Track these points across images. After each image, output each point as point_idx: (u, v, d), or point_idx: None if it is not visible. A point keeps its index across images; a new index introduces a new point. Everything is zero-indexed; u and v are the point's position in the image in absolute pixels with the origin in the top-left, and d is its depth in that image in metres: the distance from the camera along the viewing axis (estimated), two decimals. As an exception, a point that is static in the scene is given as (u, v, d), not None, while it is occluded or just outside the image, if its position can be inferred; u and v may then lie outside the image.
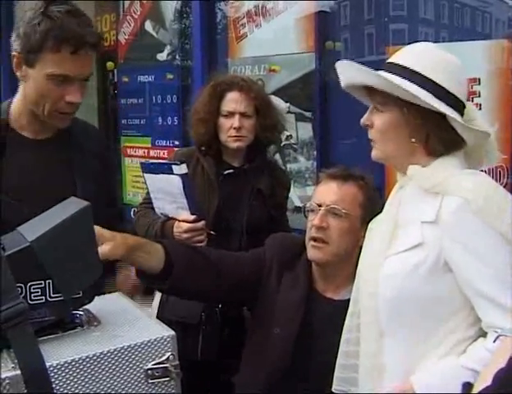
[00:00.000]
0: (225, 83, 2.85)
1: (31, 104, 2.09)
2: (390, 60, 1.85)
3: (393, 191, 1.93)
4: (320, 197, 2.29)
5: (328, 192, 2.27)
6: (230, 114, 2.81)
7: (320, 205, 2.26)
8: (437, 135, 1.77)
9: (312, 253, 2.27)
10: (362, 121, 1.87)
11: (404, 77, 1.76)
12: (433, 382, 1.70)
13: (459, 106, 1.80)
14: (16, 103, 2.17)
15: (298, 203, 3.73)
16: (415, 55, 1.83)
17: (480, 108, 2.89)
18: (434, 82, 1.76)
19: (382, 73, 1.78)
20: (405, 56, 1.84)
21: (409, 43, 3.24)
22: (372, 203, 2.27)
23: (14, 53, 2.05)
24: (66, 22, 1.98)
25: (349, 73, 1.93)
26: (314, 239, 2.25)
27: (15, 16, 6.03)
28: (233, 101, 2.82)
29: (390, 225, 1.83)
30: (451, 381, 1.59)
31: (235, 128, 2.79)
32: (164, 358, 1.40)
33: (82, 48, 2.00)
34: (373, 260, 1.85)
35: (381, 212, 1.99)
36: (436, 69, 1.78)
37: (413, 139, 1.79)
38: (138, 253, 2.07)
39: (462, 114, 1.80)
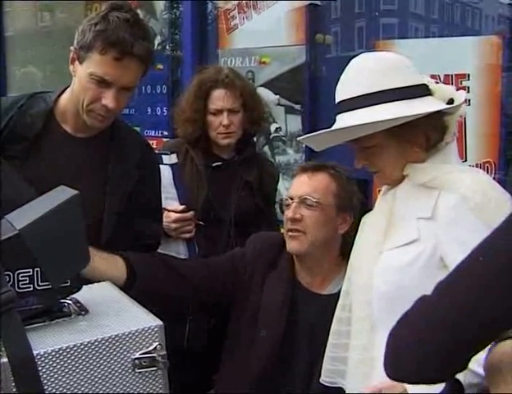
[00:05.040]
0: (210, 80, 2.84)
1: (75, 99, 2.11)
2: (339, 97, 1.82)
3: (385, 187, 1.94)
4: (292, 190, 2.32)
5: (299, 184, 2.30)
6: (218, 112, 2.81)
7: (292, 198, 2.27)
8: (433, 129, 1.78)
9: (290, 245, 2.28)
10: (357, 165, 1.88)
11: (365, 106, 1.75)
12: None
13: (427, 90, 1.81)
14: (65, 95, 2.19)
15: (286, 196, 3.73)
16: (359, 77, 1.80)
17: (469, 104, 2.91)
18: (394, 88, 1.75)
19: (347, 120, 1.76)
20: (350, 84, 1.81)
21: (400, 38, 3.31)
22: (347, 191, 2.28)
23: (71, 48, 2.09)
24: (120, 28, 2.00)
25: (318, 144, 1.96)
26: (290, 230, 2.26)
27: (4, 16, 6.03)
28: (219, 98, 2.82)
29: (385, 219, 1.84)
30: None
31: (224, 125, 2.79)
32: (151, 348, 1.40)
33: (126, 57, 2.01)
34: (367, 254, 1.85)
35: (364, 204, 2.00)
36: (385, 75, 1.77)
37: (416, 149, 1.80)
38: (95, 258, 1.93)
39: (432, 94, 1.81)
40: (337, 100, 1.83)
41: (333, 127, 1.81)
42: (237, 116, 2.82)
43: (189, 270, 2.34)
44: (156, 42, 4.67)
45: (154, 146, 4.36)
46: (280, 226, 3.03)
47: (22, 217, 1.41)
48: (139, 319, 1.45)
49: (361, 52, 1.90)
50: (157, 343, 1.41)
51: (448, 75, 2.97)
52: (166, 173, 2.52)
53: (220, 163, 2.86)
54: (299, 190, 2.27)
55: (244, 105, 2.84)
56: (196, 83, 2.89)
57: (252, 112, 2.86)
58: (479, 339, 1.09)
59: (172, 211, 2.64)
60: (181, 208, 2.65)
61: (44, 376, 1.30)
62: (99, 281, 1.78)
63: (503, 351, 1.06)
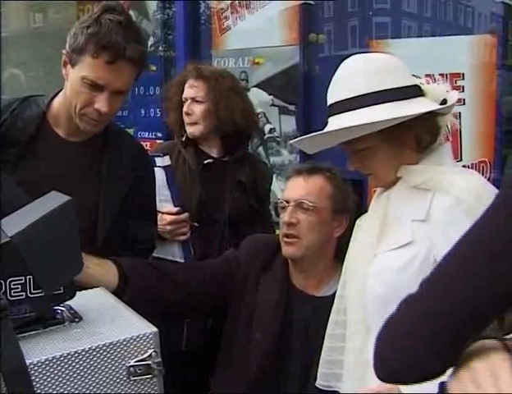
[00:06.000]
0: (184, 73, 2.94)
1: (67, 103, 2.09)
2: (332, 99, 1.81)
3: (379, 189, 1.93)
4: (288, 193, 2.30)
5: (295, 187, 2.28)
6: (185, 100, 2.86)
7: (288, 201, 2.26)
8: (425, 130, 1.77)
9: (285, 249, 2.27)
10: (350, 167, 1.86)
11: (356, 108, 1.74)
12: None
13: (419, 91, 1.79)
14: (58, 98, 2.17)
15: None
16: (349, 79, 1.79)
17: (464, 103, 2.90)
18: (385, 90, 1.74)
19: (338, 123, 1.75)
20: (341, 86, 1.79)
21: (392, 37, 3.30)
22: (342, 193, 2.28)
23: (63, 51, 2.07)
24: (112, 31, 1.97)
25: (310, 147, 1.95)
26: (286, 236, 2.25)
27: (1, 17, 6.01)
28: (187, 88, 2.87)
29: (378, 221, 1.82)
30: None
31: (185, 112, 2.84)
32: (146, 355, 1.38)
33: (118, 60, 1.98)
34: (362, 257, 1.84)
35: (359, 205, 1.98)
36: (377, 77, 1.75)
37: (408, 151, 1.78)
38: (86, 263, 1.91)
39: (424, 94, 1.80)
40: (329, 102, 1.81)
41: (324, 130, 1.80)
42: (200, 106, 2.83)
43: (183, 275, 2.32)
44: (149, 43, 4.65)
45: (148, 148, 4.38)
46: (275, 227, 3.02)
47: (14, 224, 1.39)
48: (133, 326, 1.43)
49: (355, 52, 1.89)
50: (152, 350, 1.40)
51: (443, 74, 2.96)
52: (159, 175, 2.52)
53: (211, 160, 2.86)
54: (295, 193, 2.26)
55: (213, 99, 2.85)
56: (177, 74, 3.04)
57: (218, 104, 2.83)
58: (468, 329, 1.07)
59: (166, 213, 2.63)
60: (175, 210, 2.65)
61: (38, 385, 1.28)
62: (91, 287, 1.77)
63: None
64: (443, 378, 1.34)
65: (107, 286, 1.99)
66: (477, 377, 1.03)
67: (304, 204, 2.22)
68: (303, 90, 3.69)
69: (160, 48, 4.69)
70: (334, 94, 1.79)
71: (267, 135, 3.86)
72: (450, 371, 1.11)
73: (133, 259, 2.21)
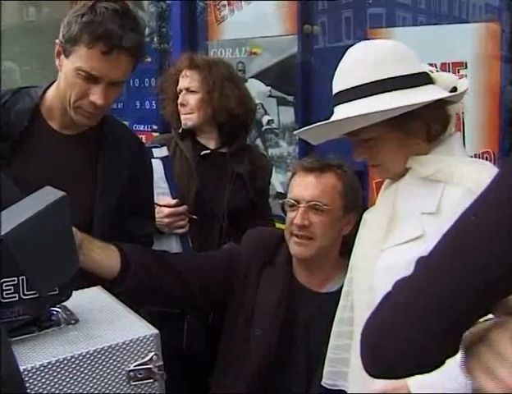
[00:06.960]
0: (178, 64, 2.90)
1: (61, 94, 2.02)
2: (337, 88, 1.75)
3: (386, 181, 1.87)
4: (298, 192, 2.20)
5: (306, 187, 2.18)
6: (180, 90, 2.83)
7: (298, 201, 2.18)
8: (435, 119, 1.72)
9: (295, 249, 2.19)
10: (356, 158, 1.80)
11: (363, 96, 1.68)
12: (429, 379, 1.63)
13: (428, 79, 1.74)
14: (51, 90, 2.10)
15: (279, 189, 3.69)
16: (356, 67, 1.73)
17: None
18: (394, 77, 1.68)
19: (344, 112, 1.69)
20: (348, 74, 1.74)
21: (387, 27, 3.25)
22: (353, 190, 2.21)
23: (56, 41, 2.00)
24: (108, 20, 1.90)
25: (315, 137, 1.89)
26: (296, 236, 2.18)
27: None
28: (181, 78, 2.84)
29: (386, 215, 1.76)
30: (448, 378, 1.52)
31: (179, 103, 2.81)
32: (147, 358, 1.33)
33: (114, 50, 1.91)
34: (368, 252, 1.78)
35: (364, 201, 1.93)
36: (384, 64, 1.69)
37: (418, 140, 1.73)
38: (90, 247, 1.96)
39: (434, 82, 1.74)
40: (334, 91, 1.76)
41: (330, 119, 1.74)
42: (194, 96, 2.80)
43: (184, 265, 2.27)
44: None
45: (143, 140, 4.33)
46: (275, 220, 2.97)
47: (6, 222, 1.33)
48: (133, 328, 1.39)
49: (350, 43, 1.83)
50: (153, 353, 1.35)
51: (445, 63, 2.91)
52: (157, 167, 2.48)
53: (208, 151, 2.82)
54: (306, 193, 2.17)
55: (207, 88, 2.81)
56: (174, 66, 2.97)
57: (213, 93, 2.78)
58: (470, 312, 0.99)
59: (164, 206, 2.59)
60: (174, 202, 2.61)
61: (33, 393, 1.23)
62: (93, 270, 1.80)
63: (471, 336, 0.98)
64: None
65: (109, 270, 2.02)
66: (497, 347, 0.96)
67: (317, 206, 2.13)
68: (301, 81, 3.64)
69: (155, 40, 4.66)
70: (340, 83, 1.73)
71: (265, 127, 3.82)
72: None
73: (136, 246, 2.17)
